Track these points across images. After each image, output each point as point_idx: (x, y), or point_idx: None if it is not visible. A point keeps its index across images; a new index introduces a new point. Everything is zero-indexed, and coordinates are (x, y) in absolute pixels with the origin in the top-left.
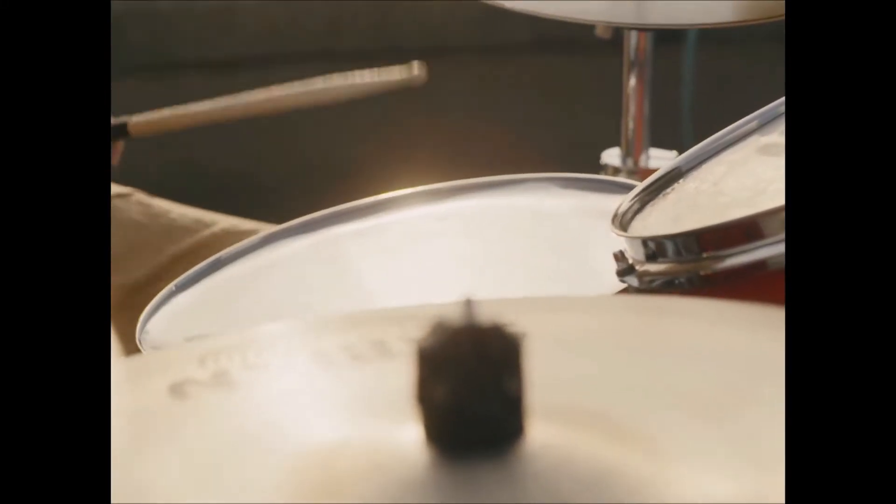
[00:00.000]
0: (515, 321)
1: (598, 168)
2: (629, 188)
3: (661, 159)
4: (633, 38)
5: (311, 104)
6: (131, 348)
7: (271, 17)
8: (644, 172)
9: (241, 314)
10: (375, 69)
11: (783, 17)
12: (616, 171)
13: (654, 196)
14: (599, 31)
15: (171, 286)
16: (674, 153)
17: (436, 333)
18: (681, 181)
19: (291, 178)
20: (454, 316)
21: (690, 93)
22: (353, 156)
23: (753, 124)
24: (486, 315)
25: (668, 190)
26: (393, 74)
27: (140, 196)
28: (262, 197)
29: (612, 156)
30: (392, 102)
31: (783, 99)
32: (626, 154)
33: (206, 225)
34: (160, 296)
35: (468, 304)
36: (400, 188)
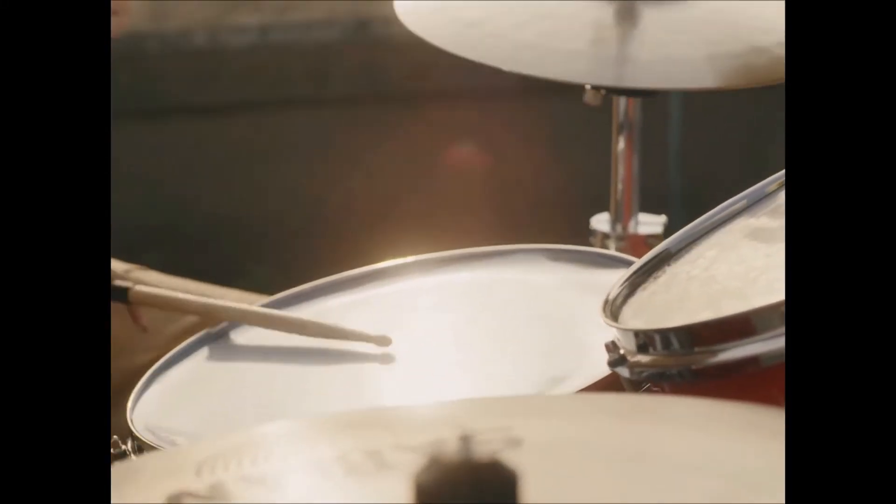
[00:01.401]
0: (506, 429)
1: (588, 212)
2: (618, 261)
3: (649, 224)
4: (621, 102)
5: (284, 330)
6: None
7: (259, 61)
8: (633, 239)
9: (232, 399)
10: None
11: (768, 83)
12: (605, 237)
13: (645, 279)
14: (588, 99)
15: (161, 362)
16: (662, 218)
17: (432, 468)
18: (671, 263)
19: (281, 223)
20: (450, 451)
21: (678, 156)
22: (345, 195)
23: (742, 204)
24: (482, 451)
25: (659, 273)
26: (365, 336)
27: (139, 273)
28: (256, 243)
29: (601, 221)
30: (380, 145)
31: (771, 178)
32: (615, 219)
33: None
34: (150, 373)
35: (465, 440)
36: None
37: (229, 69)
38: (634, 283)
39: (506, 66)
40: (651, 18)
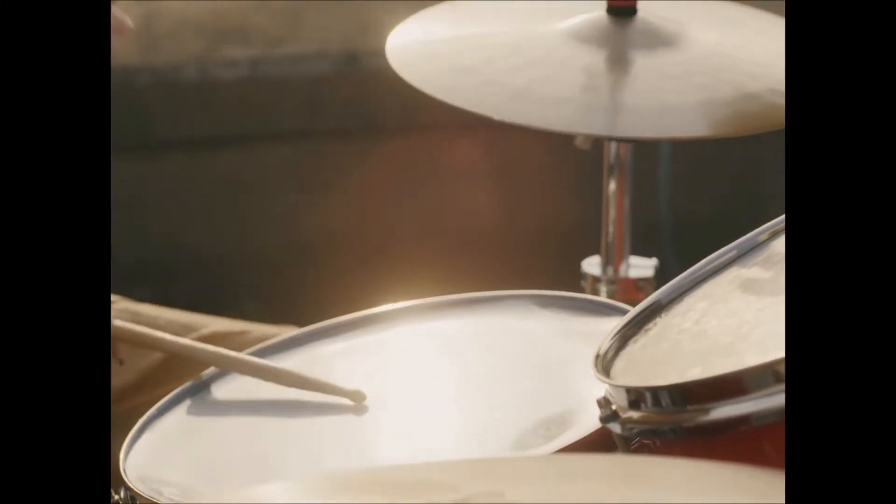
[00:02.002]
0: (499, 495)
1: (579, 254)
2: (609, 308)
3: (641, 268)
4: (612, 144)
5: (265, 379)
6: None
7: (249, 95)
8: (624, 282)
9: (223, 450)
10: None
11: (760, 130)
12: (596, 280)
13: (636, 331)
14: (579, 143)
15: (153, 410)
16: (653, 261)
17: None
18: (662, 315)
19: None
20: None
21: (669, 196)
22: (336, 229)
23: (733, 254)
24: None
25: (650, 325)
26: (340, 391)
27: (126, 304)
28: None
29: (592, 265)
30: (372, 178)
31: (763, 228)
32: (606, 262)
33: (194, 329)
34: (142, 421)
35: None
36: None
37: (219, 103)
38: (625, 336)
39: (497, 116)
40: (642, 64)
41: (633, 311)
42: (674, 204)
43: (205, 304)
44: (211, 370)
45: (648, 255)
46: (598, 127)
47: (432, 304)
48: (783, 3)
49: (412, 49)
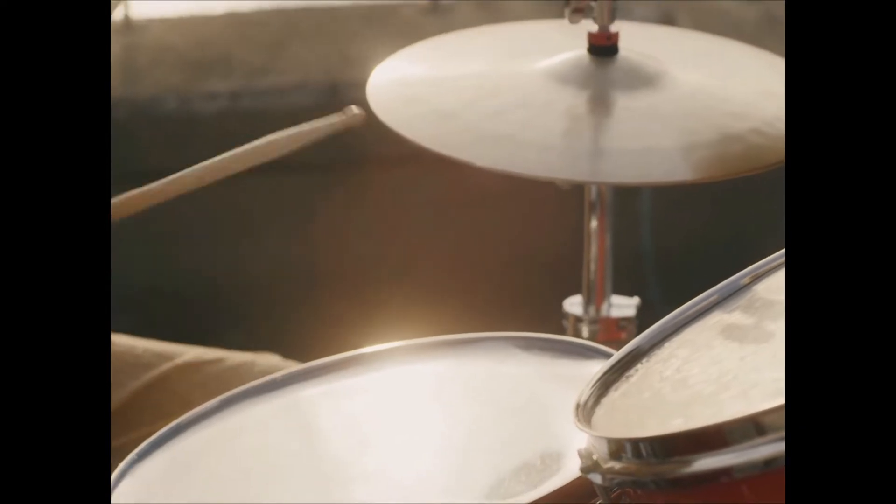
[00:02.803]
0: None
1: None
2: (590, 350)
3: (622, 307)
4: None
5: (259, 161)
6: None
7: (230, 127)
8: (605, 322)
9: (208, 497)
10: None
11: (744, 173)
12: (578, 320)
13: (617, 377)
14: (561, 183)
15: (132, 455)
16: (635, 300)
17: None
18: (643, 361)
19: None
20: None
21: (650, 231)
22: (318, 261)
23: (714, 298)
24: None
25: (631, 371)
26: (332, 119)
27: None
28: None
29: (573, 304)
30: (354, 210)
31: (745, 271)
32: (588, 301)
33: (169, 358)
34: (122, 466)
35: None
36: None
37: (200, 135)
38: (606, 382)
39: (480, 162)
40: (624, 106)
41: (614, 358)
42: (656, 238)
43: (187, 334)
44: (188, 414)
45: (631, 289)
46: (580, 173)
47: (413, 346)
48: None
49: (392, 92)
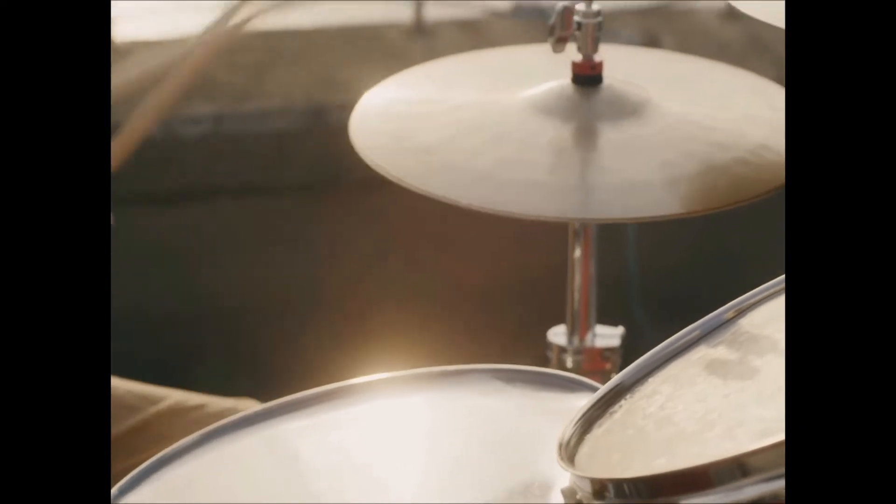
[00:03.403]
0: None
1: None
2: (574, 383)
3: (607, 337)
4: None
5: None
6: None
7: (214, 150)
8: (589, 352)
9: None
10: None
11: (730, 206)
12: (562, 350)
13: (601, 413)
14: None
15: (114, 490)
16: (620, 329)
17: None
18: (627, 397)
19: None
20: None
21: (636, 257)
22: (302, 286)
23: (696, 334)
24: None
25: (615, 408)
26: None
27: None
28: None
29: (557, 334)
30: (338, 234)
31: (728, 305)
32: (572, 332)
33: (153, 402)
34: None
35: None
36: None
37: (183, 159)
38: (590, 419)
39: (464, 201)
40: (609, 138)
41: (597, 394)
42: (642, 265)
43: (167, 360)
44: (169, 449)
45: (617, 318)
46: (567, 210)
47: (396, 378)
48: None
49: (375, 128)
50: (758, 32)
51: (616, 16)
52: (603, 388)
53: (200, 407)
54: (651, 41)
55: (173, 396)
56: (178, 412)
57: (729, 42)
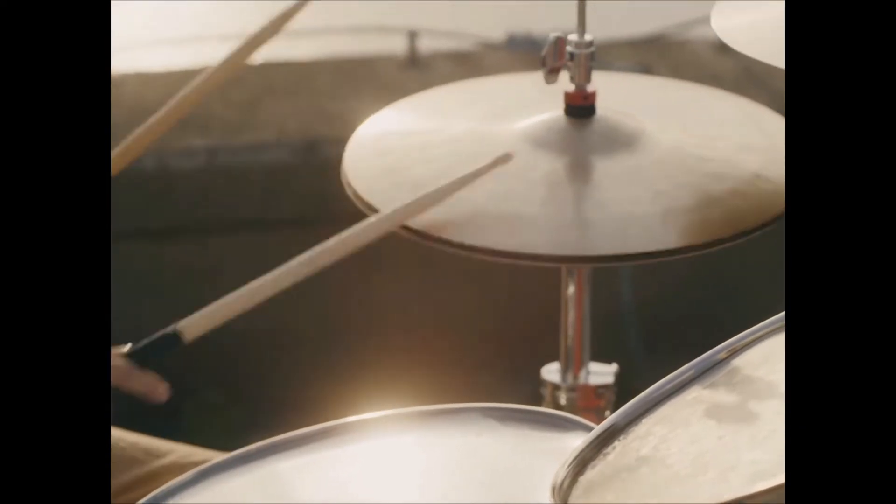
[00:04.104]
0: None
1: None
2: (568, 422)
3: (600, 374)
4: None
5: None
6: None
7: (208, 184)
8: (583, 389)
9: None
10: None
11: (726, 237)
12: (556, 388)
13: (595, 455)
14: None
15: None
16: (614, 366)
17: None
18: (621, 438)
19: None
20: None
21: (631, 295)
22: (294, 320)
23: (690, 374)
24: None
25: (609, 449)
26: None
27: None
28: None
29: (551, 371)
30: (329, 271)
31: (722, 346)
32: (566, 369)
33: (157, 456)
34: None
35: None
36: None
37: (178, 192)
38: (584, 460)
39: (457, 239)
40: (603, 170)
41: (590, 435)
42: (636, 299)
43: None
44: (162, 488)
45: (611, 353)
46: (563, 247)
47: (389, 416)
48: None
49: (369, 163)
50: (751, 65)
51: (609, 47)
52: (597, 429)
53: (205, 462)
54: (644, 73)
55: (178, 451)
56: (182, 466)
57: (722, 73)
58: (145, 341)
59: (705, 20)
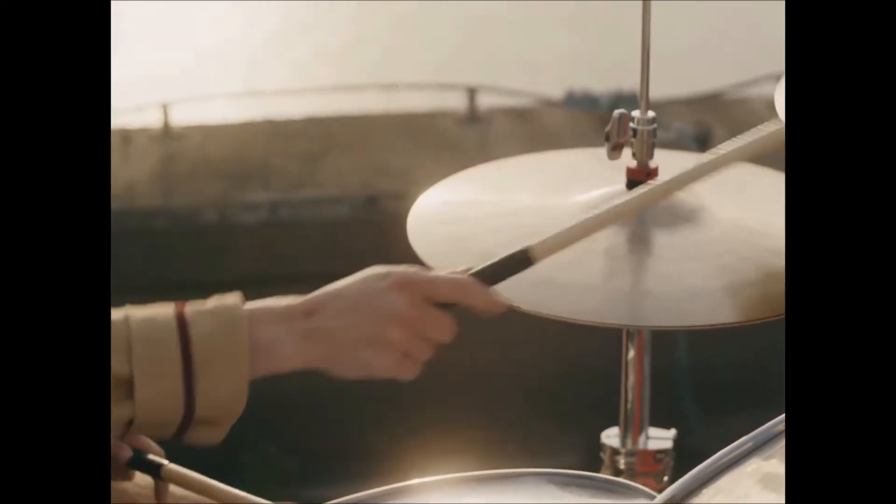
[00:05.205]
0: None
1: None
2: (627, 489)
3: (659, 439)
4: None
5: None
6: None
7: (269, 238)
8: (642, 454)
9: None
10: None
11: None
12: (615, 452)
13: None
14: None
15: None
16: (672, 431)
17: None
18: None
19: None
20: None
21: (686, 361)
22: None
23: (749, 446)
24: None
25: None
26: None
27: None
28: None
29: (610, 436)
30: None
31: (779, 419)
32: (625, 433)
33: None
34: None
35: None
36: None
37: (239, 246)
38: None
39: (522, 306)
40: (664, 244)
41: None
42: (694, 365)
43: (223, 445)
44: None
45: (669, 413)
46: (623, 317)
47: (451, 480)
48: None
49: (433, 231)
50: None
51: (667, 105)
52: (656, 501)
53: None
54: (703, 132)
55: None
56: None
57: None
58: (494, 260)
59: (764, 79)
